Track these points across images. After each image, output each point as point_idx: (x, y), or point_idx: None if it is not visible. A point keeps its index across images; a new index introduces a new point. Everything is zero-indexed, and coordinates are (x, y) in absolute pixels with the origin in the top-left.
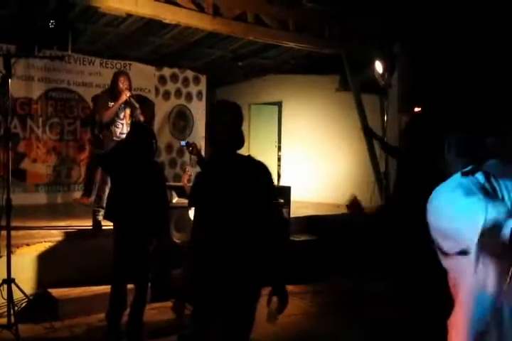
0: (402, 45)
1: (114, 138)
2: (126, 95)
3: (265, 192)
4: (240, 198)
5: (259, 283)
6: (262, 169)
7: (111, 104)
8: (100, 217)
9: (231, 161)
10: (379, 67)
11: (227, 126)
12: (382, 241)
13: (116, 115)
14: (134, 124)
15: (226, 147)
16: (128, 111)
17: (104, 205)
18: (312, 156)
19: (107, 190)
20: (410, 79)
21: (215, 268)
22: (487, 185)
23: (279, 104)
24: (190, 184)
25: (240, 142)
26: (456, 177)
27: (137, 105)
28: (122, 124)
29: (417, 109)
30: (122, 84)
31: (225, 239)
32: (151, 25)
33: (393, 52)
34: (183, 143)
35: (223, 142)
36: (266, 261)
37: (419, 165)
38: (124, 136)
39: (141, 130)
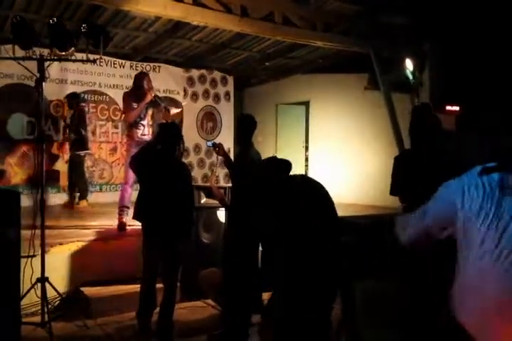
0: (432, 42)
1: (136, 139)
2: (151, 95)
3: (331, 216)
4: (316, 224)
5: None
6: (323, 189)
7: (135, 104)
8: (125, 217)
9: (296, 188)
10: (409, 65)
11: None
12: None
13: (139, 116)
14: (162, 125)
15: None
16: (150, 112)
17: (128, 205)
18: (340, 156)
19: (130, 190)
20: (442, 77)
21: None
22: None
23: (307, 104)
24: (218, 184)
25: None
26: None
27: (162, 104)
28: (144, 126)
29: (450, 108)
30: (147, 85)
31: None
32: (179, 28)
33: (423, 49)
34: (209, 143)
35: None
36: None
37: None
38: (145, 137)
39: (168, 131)
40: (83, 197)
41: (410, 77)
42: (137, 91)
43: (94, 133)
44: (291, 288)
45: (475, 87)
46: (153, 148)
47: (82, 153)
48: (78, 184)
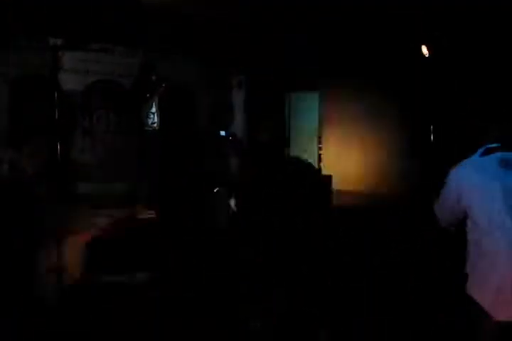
0: (446, 29)
1: (146, 127)
2: (161, 87)
3: (315, 195)
4: (292, 201)
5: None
6: (309, 170)
7: (143, 95)
8: (138, 206)
9: (280, 164)
10: (424, 51)
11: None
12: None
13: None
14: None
15: (271, 151)
16: (157, 100)
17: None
18: (354, 145)
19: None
20: (455, 63)
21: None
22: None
23: (320, 92)
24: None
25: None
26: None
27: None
28: (153, 114)
29: None
30: (154, 76)
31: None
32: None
33: (438, 35)
34: (222, 133)
35: (268, 146)
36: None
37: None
38: (154, 125)
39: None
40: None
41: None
42: (145, 82)
43: (108, 123)
44: (292, 282)
45: (491, 72)
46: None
47: None
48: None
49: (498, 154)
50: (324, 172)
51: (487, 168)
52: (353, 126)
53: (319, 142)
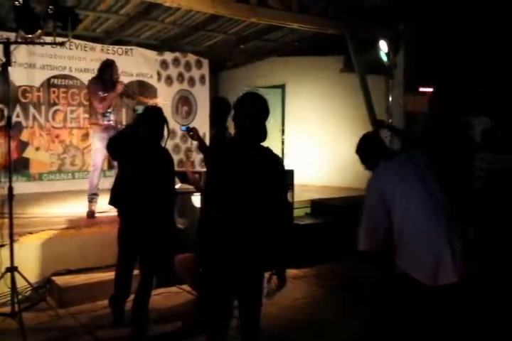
0: (407, 23)
1: (102, 126)
2: (121, 86)
3: (278, 180)
4: (254, 185)
5: (265, 263)
6: (276, 160)
7: (101, 93)
8: (94, 205)
9: (251, 151)
10: (383, 46)
11: (254, 121)
12: None
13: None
14: (147, 109)
15: (250, 139)
16: (116, 99)
17: (97, 192)
18: (316, 139)
19: (99, 177)
20: (415, 59)
21: (227, 251)
22: None
23: (283, 87)
24: (193, 169)
25: (264, 136)
26: None
27: (134, 95)
28: (110, 113)
29: (423, 89)
30: (116, 74)
31: (237, 223)
32: (152, 10)
33: (398, 31)
34: (183, 128)
35: (248, 135)
36: (271, 245)
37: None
38: (111, 122)
39: (154, 115)
40: None
41: (384, 58)
42: (104, 79)
43: (65, 119)
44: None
45: (450, 67)
46: (134, 132)
47: None
48: None
49: (403, 156)
50: (287, 166)
51: (400, 165)
52: (316, 119)
53: (282, 136)
